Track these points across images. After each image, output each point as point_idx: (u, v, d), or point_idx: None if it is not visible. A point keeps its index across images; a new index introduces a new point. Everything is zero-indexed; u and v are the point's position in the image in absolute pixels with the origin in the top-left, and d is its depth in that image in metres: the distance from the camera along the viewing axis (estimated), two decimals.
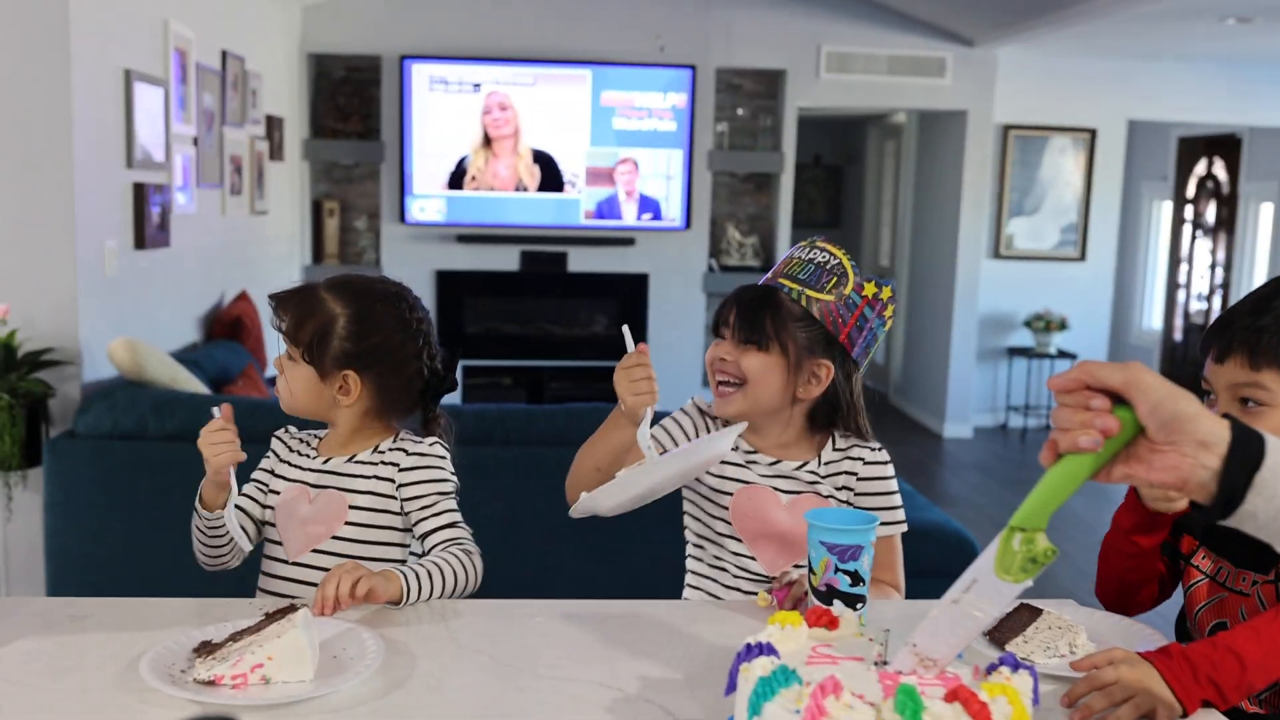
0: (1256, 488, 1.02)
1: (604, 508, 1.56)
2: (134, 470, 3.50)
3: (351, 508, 1.74)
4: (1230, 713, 1.34)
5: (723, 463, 1.82)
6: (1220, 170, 8.28)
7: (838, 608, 1.40)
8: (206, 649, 1.29)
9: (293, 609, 1.32)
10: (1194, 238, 8.54)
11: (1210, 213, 8.37)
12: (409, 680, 1.30)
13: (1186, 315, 8.62)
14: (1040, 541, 1.06)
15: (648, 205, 7.06)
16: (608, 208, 7.04)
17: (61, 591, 3.59)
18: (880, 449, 1.86)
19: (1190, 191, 8.58)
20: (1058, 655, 1.40)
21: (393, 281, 1.85)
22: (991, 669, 1.09)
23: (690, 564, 1.89)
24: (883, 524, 1.81)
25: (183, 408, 3.54)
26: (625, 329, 1.63)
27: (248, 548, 1.74)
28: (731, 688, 1.10)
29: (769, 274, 1.81)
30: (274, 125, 6.23)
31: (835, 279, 1.76)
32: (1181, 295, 8.68)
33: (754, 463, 1.83)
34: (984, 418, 8.03)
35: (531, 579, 3.41)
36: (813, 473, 1.81)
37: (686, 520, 1.90)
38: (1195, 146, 8.49)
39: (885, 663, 1.13)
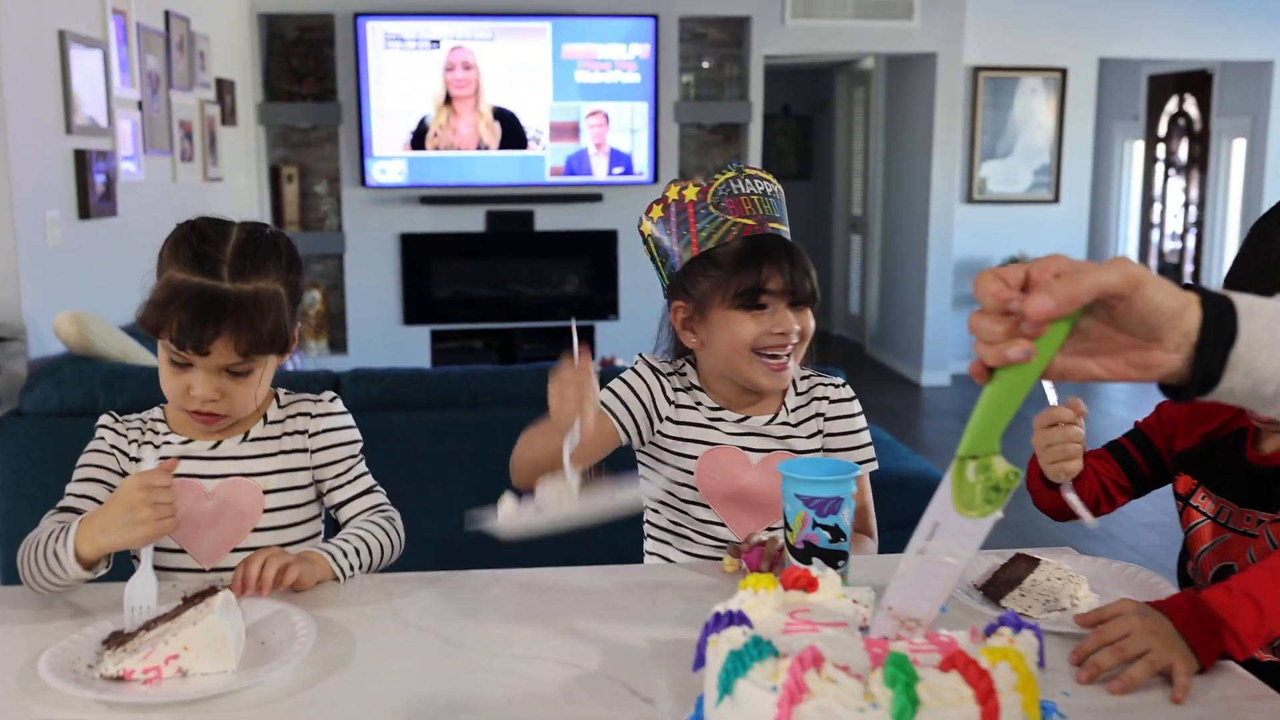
0: (1232, 365, 0.90)
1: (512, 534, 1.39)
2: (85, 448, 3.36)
3: (266, 493, 1.56)
4: (1244, 663, 1.23)
5: (681, 423, 1.68)
6: (1192, 107, 8.17)
7: (817, 567, 1.28)
8: (117, 640, 1.15)
9: (213, 591, 1.19)
10: (1167, 176, 8.45)
11: (1182, 151, 8.28)
12: (345, 666, 1.18)
13: (1161, 255, 8.54)
14: (998, 466, 0.93)
15: (618, 159, 6.90)
16: (577, 163, 6.87)
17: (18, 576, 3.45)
18: (844, 384, 1.74)
19: (1162, 130, 8.47)
20: (1058, 609, 1.28)
21: (248, 224, 1.55)
22: (991, 630, 0.97)
23: (649, 528, 1.76)
24: (859, 461, 1.69)
25: (134, 382, 3.39)
26: (573, 326, 1.42)
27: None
28: (700, 662, 0.98)
29: (733, 221, 1.61)
30: (225, 89, 6.03)
31: (783, 205, 1.68)
32: (1155, 235, 8.60)
33: (719, 420, 1.69)
34: (962, 365, 7.94)
35: (497, 546, 3.30)
36: (784, 424, 1.68)
37: (642, 484, 1.76)
38: (1166, 84, 8.38)
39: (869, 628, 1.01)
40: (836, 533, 1.31)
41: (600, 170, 6.88)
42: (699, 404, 1.68)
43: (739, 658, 0.91)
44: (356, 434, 1.62)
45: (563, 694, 1.10)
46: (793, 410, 1.70)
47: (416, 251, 7.04)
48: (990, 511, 0.93)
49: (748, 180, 1.63)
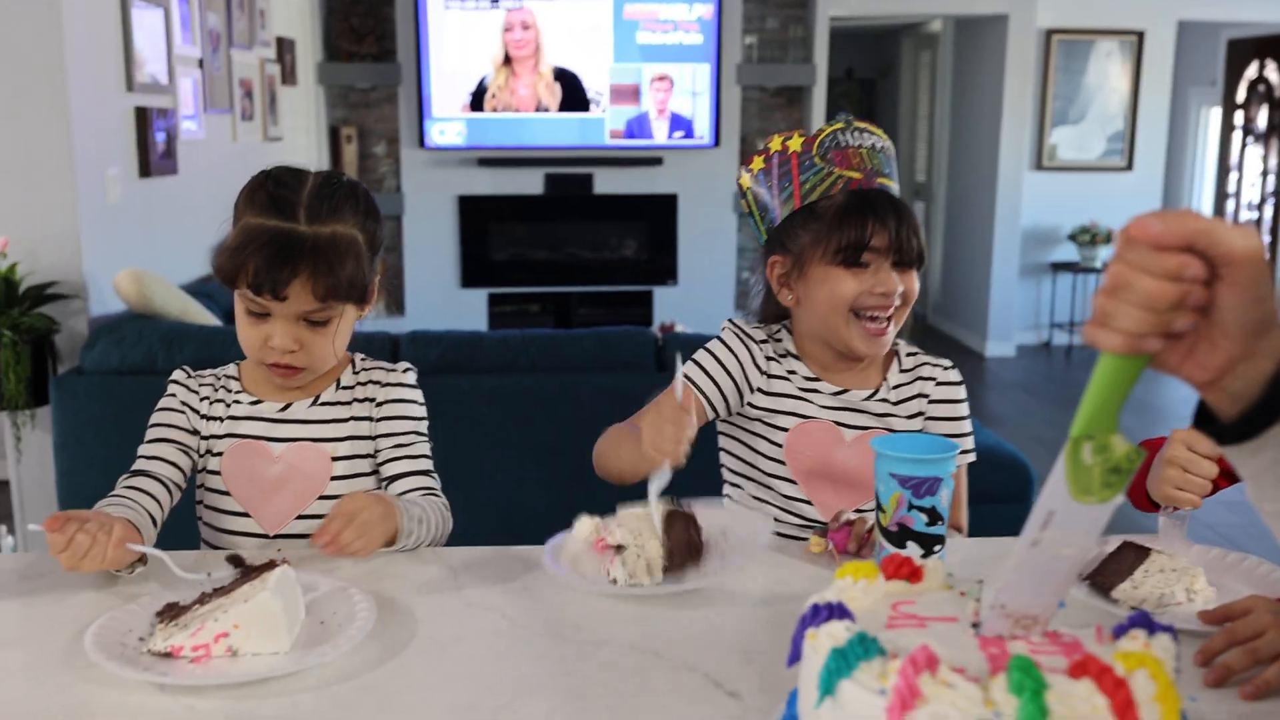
0: None
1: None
2: (144, 406, 3.32)
3: (334, 459, 1.50)
4: None
5: (773, 394, 1.58)
6: (1272, 73, 7.86)
7: (911, 551, 1.19)
8: (170, 613, 1.09)
9: (271, 566, 1.12)
10: (1244, 145, 8.15)
11: (1261, 118, 7.98)
12: (406, 648, 1.11)
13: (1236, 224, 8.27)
14: (1118, 446, 0.83)
15: (679, 123, 6.78)
16: (637, 126, 6.75)
17: None
18: (952, 367, 1.63)
19: (1240, 96, 8.17)
20: (1173, 604, 1.18)
21: (324, 171, 1.49)
22: (1120, 631, 0.87)
23: (726, 504, 1.67)
24: None
25: (193, 341, 3.36)
26: (678, 361, 1.33)
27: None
28: (795, 657, 0.89)
29: (839, 174, 1.51)
30: (285, 48, 5.98)
31: (893, 162, 1.57)
32: (1231, 204, 8.32)
33: (814, 392, 1.59)
34: (1027, 335, 7.76)
35: (560, 515, 3.24)
36: (884, 401, 1.58)
37: (724, 457, 1.67)
38: (1246, 48, 8.07)
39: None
40: (934, 515, 1.21)
41: (661, 134, 6.76)
42: (792, 373, 1.58)
43: (843, 656, 0.83)
44: (423, 411, 1.55)
45: (639, 683, 1.02)
46: (894, 387, 1.60)
47: (475, 214, 6.98)
48: (1110, 496, 0.84)
49: (856, 133, 1.53)
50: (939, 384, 1.60)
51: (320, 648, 1.07)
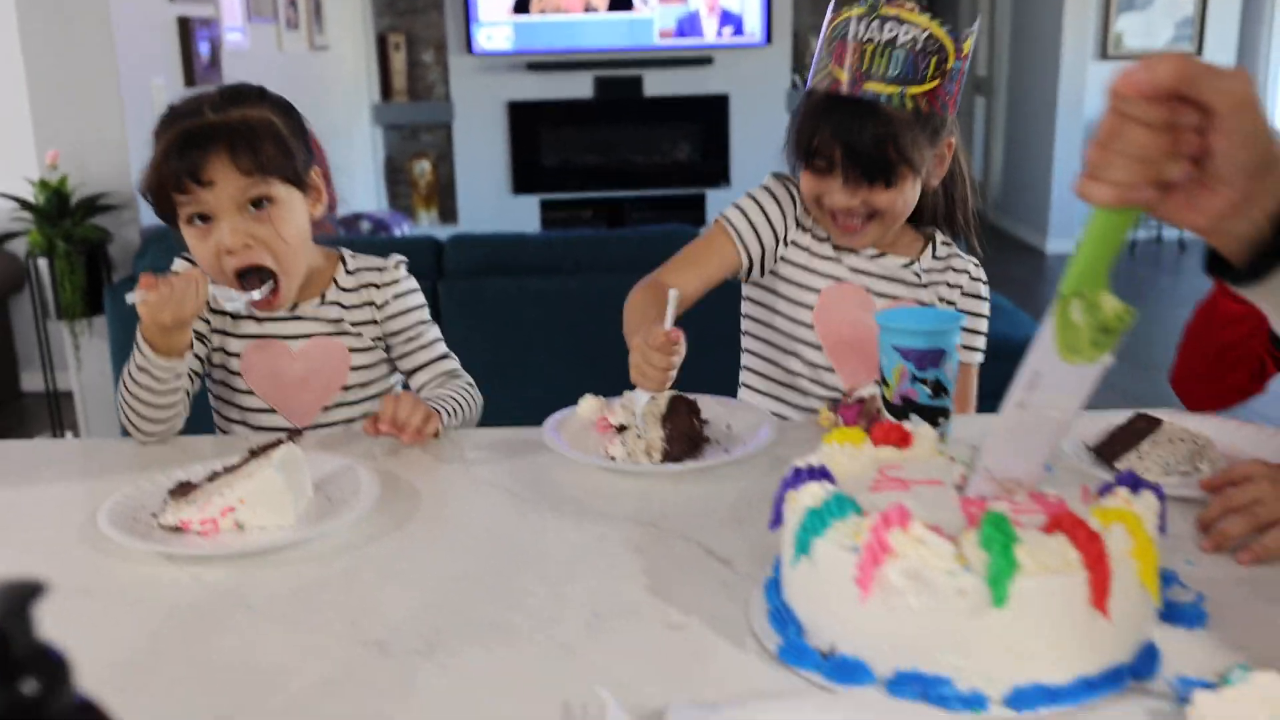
0: None
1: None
2: None
3: (352, 351, 1.53)
4: None
5: (806, 249, 1.56)
6: None
7: (915, 423, 1.18)
8: (182, 490, 1.12)
9: (276, 445, 1.15)
10: None
11: None
12: (409, 522, 1.13)
13: None
14: (1108, 303, 0.80)
15: (728, 19, 6.64)
16: (687, 25, 6.63)
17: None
18: (979, 265, 1.60)
19: None
20: (1178, 472, 1.16)
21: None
22: (1105, 490, 0.86)
23: (745, 375, 1.66)
24: (965, 347, 1.57)
25: None
26: (671, 295, 1.31)
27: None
28: (778, 521, 0.90)
29: (830, 70, 1.45)
30: None
31: (934, 59, 1.41)
32: None
33: (849, 252, 1.56)
34: None
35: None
36: (917, 273, 1.56)
37: (747, 324, 1.65)
38: None
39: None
40: (937, 388, 1.20)
41: (710, 32, 6.63)
42: (828, 235, 1.57)
43: (818, 515, 0.83)
44: (422, 299, 1.56)
45: (635, 553, 1.03)
46: (926, 270, 1.58)
47: (525, 119, 6.94)
48: (1098, 356, 0.82)
49: (877, 23, 1.41)
50: (973, 278, 1.57)
51: (324, 521, 1.10)
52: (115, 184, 3.86)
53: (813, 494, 0.85)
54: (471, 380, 1.53)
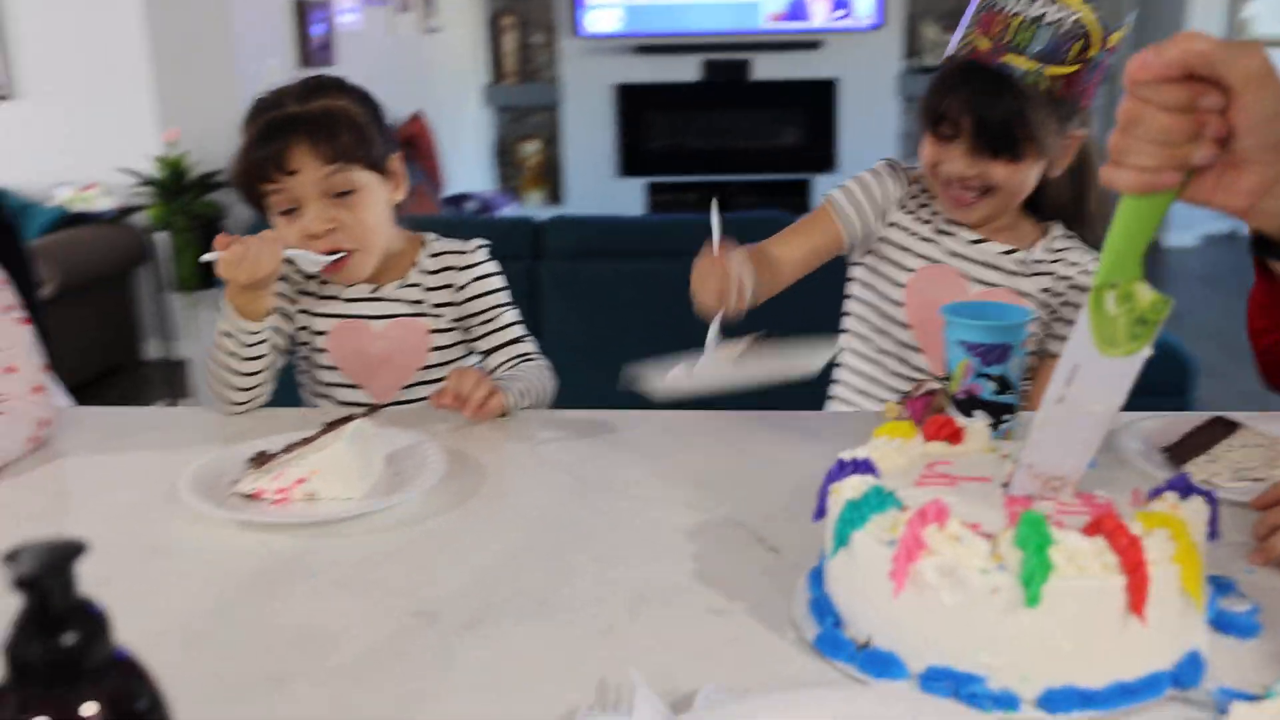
0: None
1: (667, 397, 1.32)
2: None
3: (428, 331, 1.57)
4: None
5: (905, 229, 1.57)
6: None
7: (979, 419, 1.17)
8: (259, 460, 1.17)
9: (349, 419, 1.19)
10: None
11: None
12: (472, 498, 1.16)
13: None
14: (1143, 294, 0.79)
15: (839, 3, 6.56)
16: (797, 7, 6.57)
17: None
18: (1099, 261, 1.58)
19: None
20: (1250, 478, 1.12)
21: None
22: (1156, 494, 0.85)
23: (842, 355, 1.66)
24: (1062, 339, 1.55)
25: None
26: (714, 208, 1.32)
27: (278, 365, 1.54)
28: (821, 512, 0.90)
29: (973, 38, 1.46)
30: None
31: (1079, 44, 1.41)
32: None
33: (948, 234, 1.56)
34: (1212, 224, 7.31)
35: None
36: (1020, 262, 1.55)
37: (847, 304, 1.66)
38: None
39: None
40: (1003, 384, 1.18)
41: (820, 15, 6.57)
42: (936, 214, 1.57)
43: (857, 508, 0.83)
44: (502, 281, 1.59)
45: (685, 537, 1.05)
46: (1036, 260, 1.56)
47: (632, 102, 6.97)
48: (1136, 349, 0.80)
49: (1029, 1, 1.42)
50: (1085, 273, 1.55)
51: (391, 495, 1.13)
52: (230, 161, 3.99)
53: (854, 486, 0.85)
54: (548, 364, 1.55)
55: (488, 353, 1.57)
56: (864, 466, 0.89)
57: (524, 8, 6.94)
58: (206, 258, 1.39)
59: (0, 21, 4.38)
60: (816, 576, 0.92)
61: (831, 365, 1.68)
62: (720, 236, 1.32)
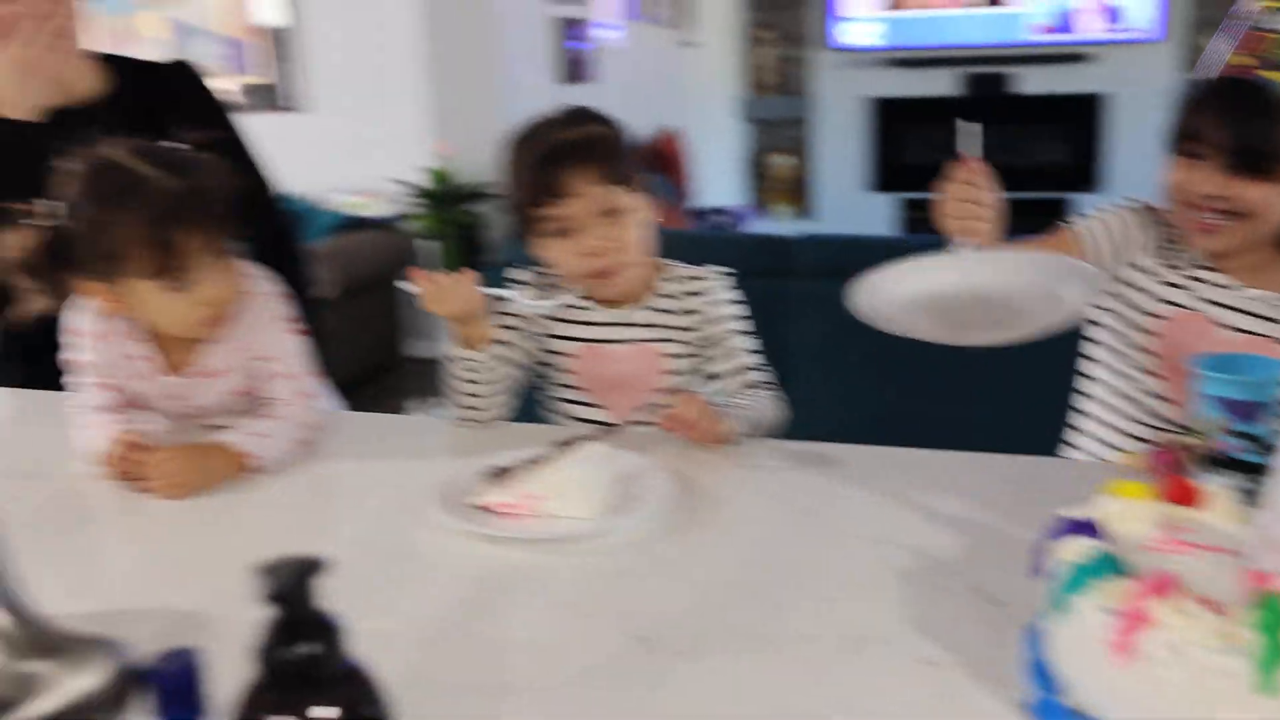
0: None
1: (883, 301, 1.29)
2: None
3: (663, 355, 1.60)
4: None
5: (1151, 273, 1.51)
6: None
7: (1230, 480, 1.10)
8: (497, 475, 1.24)
9: (584, 439, 1.24)
10: None
11: None
12: (697, 525, 1.19)
13: None
14: None
15: (1111, 14, 6.26)
16: (1064, 19, 6.31)
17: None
18: None
19: None
20: None
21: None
22: None
23: (1083, 401, 1.60)
24: None
25: None
26: (967, 127, 1.30)
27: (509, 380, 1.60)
28: (1038, 569, 0.88)
29: (1221, 58, 1.40)
30: None
31: None
32: None
33: (1199, 280, 1.49)
34: None
35: (939, 426, 3.17)
36: (1277, 307, 1.46)
37: (1092, 349, 1.60)
38: None
39: None
40: (1257, 443, 1.11)
41: (1089, 27, 6.27)
42: (1186, 259, 1.50)
43: (1079, 572, 0.80)
44: (739, 309, 1.61)
45: (903, 581, 1.04)
46: None
47: (886, 116, 6.87)
48: None
49: None
50: None
51: (624, 514, 1.18)
52: (492, 175, 4.19)
53: (1076, 549, 0.83)
54: (776, 394, 1.56)
55: (718, 377, 1.60)
56: (1088, 527, 0.86)
57: (781, 21, 6.95)
58: (403, 287, 1.47)
59: (298, 42, 4.77)
60: (1036, 636, 0.89)
61: (1069, 410, 1.62)
62: (972, 156, 1.30)
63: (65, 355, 1.48)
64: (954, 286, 1.24)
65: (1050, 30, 6.36)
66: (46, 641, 0.61)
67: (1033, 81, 6.56)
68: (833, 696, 0.86)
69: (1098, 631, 0.77)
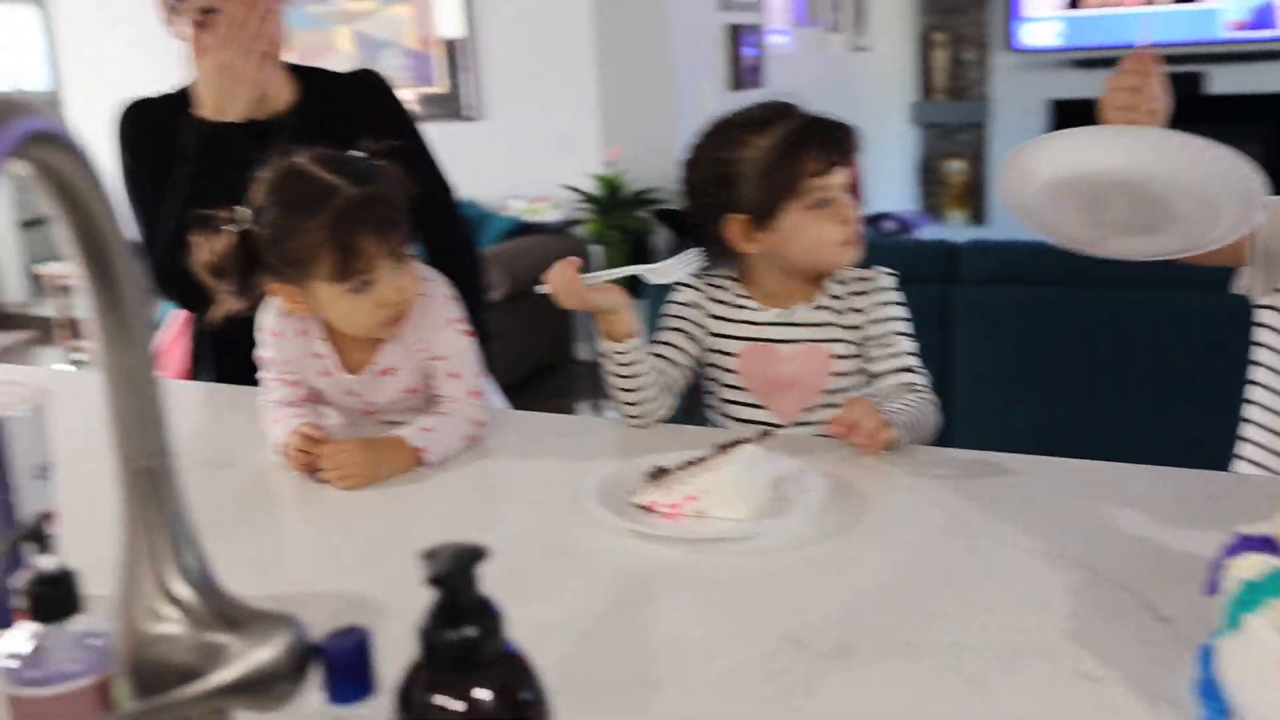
0: None
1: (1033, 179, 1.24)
2: None
3: (831, 357, 1.60)
4: None
5: None
6: None
7: None
8: (656, 475, 1.26)
9: (742, 442, 1.25)
10: None
11: None
12: (849, 529, 1.18)
13: None
14: None
15: None
16: (1266, 13, 5.98)
17: None
18: None
19: None
20: None
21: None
22: None
23: (1250, 410, 1.52)
24: None
25: None
26: (1143, 22, 1.25)
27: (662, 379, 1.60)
28: (1212, 587, 0.84)
29: None
30: None
31: None
32: None
33: None
34: None
35: (1114, 437, 3.05)
36: None
37: (1260, 353, 1.51)
38: None
39: None
40: None
41: None
42: None
43: (1253, 590, 0.77)
44: (904, 311, 1.59)
45: (1064, 594, 1.01)
46: None
47: (1067, 118, 6.63)
48: None
49: None
50: None
51: (779, 517, 1.18)
52: (662, 180, 4.24)
53: (1252, 565, 0.79)
54: (935, 400, 1.54)
55: (878, 376, 1.58)
56: (1266, 544, 0.83)
57: (957, 23, 6.81)
58: (538, 290, 1.52)
59: (476, 52, 4.92)
60: (1207, 655, 0.86)
61: (1239, 421, 1.54)
62: (1145, 47, 1.25)
63: (257, 353, 1.57)
64: (1111, 169, 1.18)
65: (1247, 26, 6.04)
66: (229, 615, 0.66)
67: (1228, 80, 6.25)
68: (985, 707, 0.85)
69: (1271, 652, 0.74)
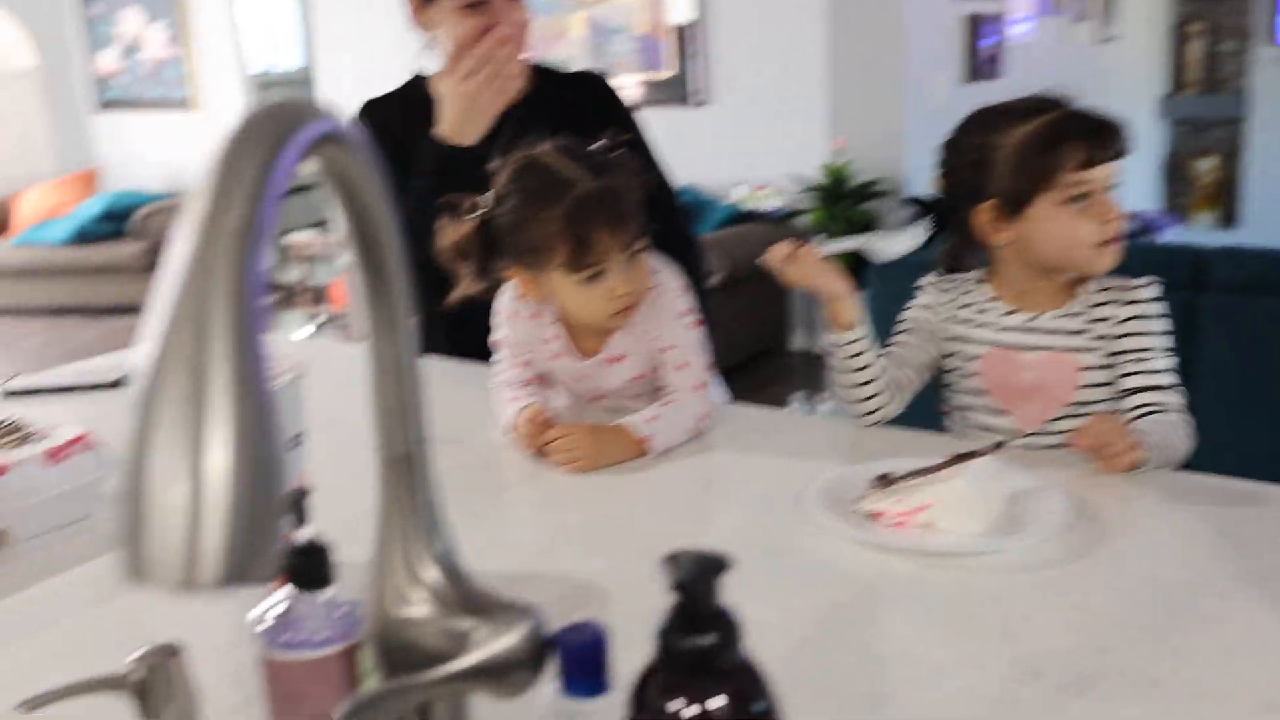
0: None
1: None
2: None
3: (1080, 369, 1.51)
4: None
5: None
6: None
7: None
8: (883, 482, 1.23)
9: (977, 454, 1.20)
10: None
11: None
12: (1089, 554, 1.12)
13: None
14: None
15: None
16: None
17: None
18: None
19: None
20: None
21: None
22: None
23: None
24: None
25: None
26: None
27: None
28: None
29: None
30: None
31: None
32: None
33: None
34: None
35: None
36: None
37: None
38: None
39: None
40: None
41: None
42: None
43: None
44: (1164, 325, 1.50)
45: (1239, 630, 0.93)
46: None
47: None
48: None
49: None
50: None
51: (1013, 534, 1.14)
52: (888, 172, 4.15)
53: None
54: (1190, 421, 1.44)
55: (1128, 393, 1.49)
56: None
57: (1215, 13, 6.38)
58: (761, 263, 1.53)
59: (705, 38, 4.93)
60: None
61: None
62: None
63: (493, 335, 1.62)
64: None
65: None
66: (474, 603, 0.67)
67: None
68: None
69: None
